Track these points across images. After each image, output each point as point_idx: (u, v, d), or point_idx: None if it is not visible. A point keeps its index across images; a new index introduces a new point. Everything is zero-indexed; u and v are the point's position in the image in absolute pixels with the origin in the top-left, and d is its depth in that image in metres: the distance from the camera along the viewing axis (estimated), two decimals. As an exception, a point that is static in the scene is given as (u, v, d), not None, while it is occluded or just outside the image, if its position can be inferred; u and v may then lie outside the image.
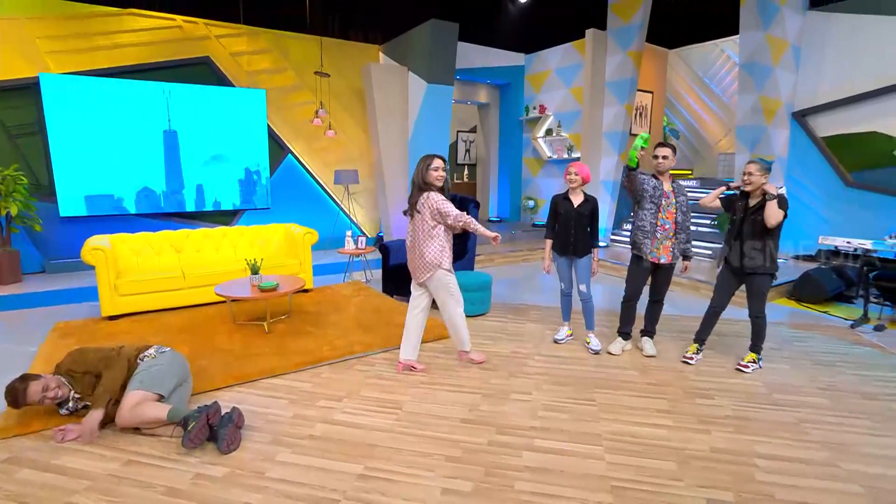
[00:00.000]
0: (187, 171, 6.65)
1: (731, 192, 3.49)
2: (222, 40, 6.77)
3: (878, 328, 4.30)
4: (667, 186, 3.48)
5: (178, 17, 6.45)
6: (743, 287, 3.45)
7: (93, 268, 4.30)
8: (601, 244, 7.40)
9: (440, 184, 3.24)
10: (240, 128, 6.90)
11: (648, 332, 3.77)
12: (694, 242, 6.95)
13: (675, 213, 3.47)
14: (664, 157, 3.41)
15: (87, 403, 2.61)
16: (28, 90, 5.70)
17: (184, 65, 6.54)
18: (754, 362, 3.39)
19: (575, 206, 3.61)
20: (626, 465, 2.30)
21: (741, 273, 3.37)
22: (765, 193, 3.18)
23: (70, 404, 2.61)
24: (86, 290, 5.10)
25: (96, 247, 4.29)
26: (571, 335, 3.96)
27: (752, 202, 3.29)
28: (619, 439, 2.52)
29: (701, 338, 3.60)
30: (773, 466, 2.29)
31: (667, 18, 7.78)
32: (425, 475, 2.23)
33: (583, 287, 3.69)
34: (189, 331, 4.09)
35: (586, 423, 2.68)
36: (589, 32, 7.54)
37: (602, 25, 7.49)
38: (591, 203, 3.64)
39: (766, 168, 3.21)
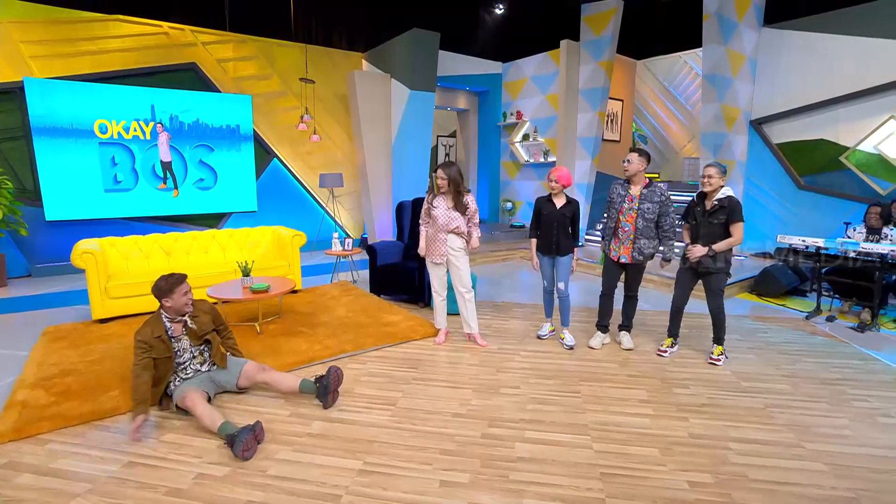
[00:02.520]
0: (175, 175, 6.63)
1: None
2: (209, 47, 6.75)
3: (830, 319, 4.65)
4: (634, 191, 3.67)
5: (165, 24, 6.40)
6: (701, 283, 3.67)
7: (80, 271, 4.24)
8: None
9: (441, 189, 3.77)
10: (226, 132, 6.88)
11: (626, 326, 3.97)
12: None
13: (636, 218, 3.62)
14: (628, 162, 3.64)
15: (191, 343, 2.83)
16: (12, 94, 5.56)
17: (170, 70, 6.49)
18: (722, 354, 3.62)
19: (558, 207, 3.78)
20: (612, 452, 2.44)
21: (698, 272, 3.58)
22: (728, 210, 3.39)
23: (181, 327, 2.79)
24: (73, 294, 5.03)
25: (86, 250, 4.23)
26: (554, 331, 4.13)
27: (708, 205, 3.47)
28: (604, 429, 2.66)
29: (673, 332, 3.82)
30: (746, 449, 2.48)
31: (635, 31, 8.16)
32: (423, 468, 2.30)
33: (561, 285, 3.85)
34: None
35: (573, 414, 2.81)
36: (563, 43, 7.83)
37: (575, 37, 7.78)
38: (572, 205, 3.80)
39: (723, 171, 3.46)
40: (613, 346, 3.94)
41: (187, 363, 2.84)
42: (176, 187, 6.66)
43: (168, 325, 2.75)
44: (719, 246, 3.41)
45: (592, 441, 2.54)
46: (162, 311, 2.75)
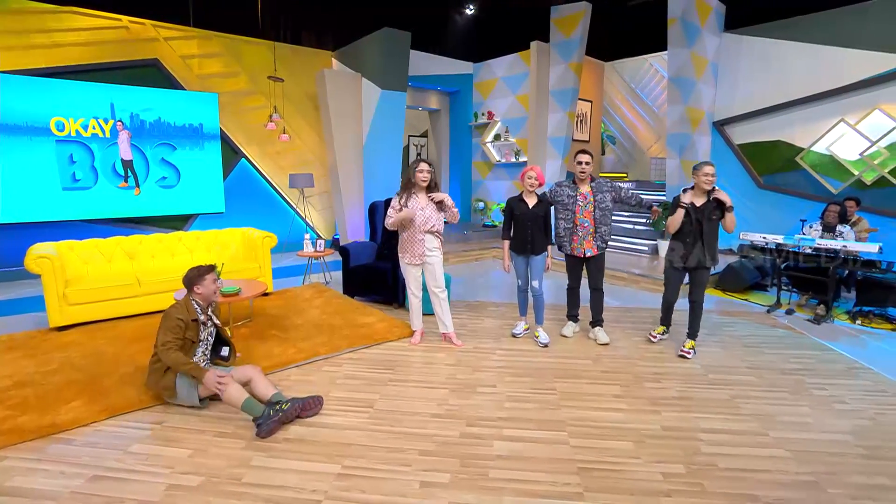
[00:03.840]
0: (137, 173, 6.42)
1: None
2: (172, 43, 6.53)
3: (789, 312, 4.88)
4: (584, 189, 3.83)
5: (124, 18, 6.15)
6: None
7: (36, 277, 4.01)
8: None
9: (423, 184, 3.69)
10: (188, 131, 6.68)
11: (598, 322, 4.07)
12: (629, 239, 7.47)
13: (593, 211, 3.80)
14: (587, 164, 3.78)
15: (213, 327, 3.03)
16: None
17: (131, 66, 6.25)
18: (693, 348, 3.75)
19: (530, 207, 3.82)
20: (588, 447, 2.49)
21: (691, 268, 3.68)
22: (721, 203, 3.50)
23: (208, 317, 2.99)
24: (28, 301, 4.79)
25: (42, 255, 4.02)
26: (528, 329, 4.17)
27: (701, 202, 3.55)
28: (580, 424, 2.71)
29: (666, 322, 4.01)
30: (715, 439, 2.57)
31: (603, 34, 8.34)
32: (403, 470, 2.29)
33: (535, 283, 3.91)
34: (147, 339, 3.83)
35: (549, 411, 2.86)
36: (533, 44, 7.94)
37: (545, 38, 7.90)
38: (545, 204, 3.86)
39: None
40: (586, 342, 4.01)
41: (198, 356, 2.91)
42: (137, 185, 6.41)
43: (199, 311, 2.92)
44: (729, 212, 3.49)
45: (569, 437, 2.58)
46: (192, 298, 2.92)
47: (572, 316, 4.18)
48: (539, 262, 3.88)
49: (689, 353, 3.71)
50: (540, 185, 3.82)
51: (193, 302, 2.92)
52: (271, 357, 3.52)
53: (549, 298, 5.09)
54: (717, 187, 3.56)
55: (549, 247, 3.93)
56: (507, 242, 3.96)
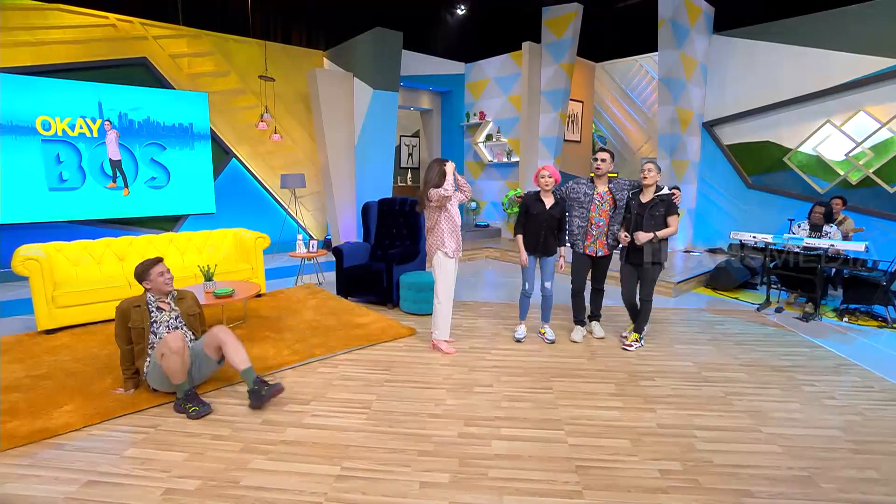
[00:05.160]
0: (125, 174, 6.33)
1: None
2: (161, 41, 6.43)
3: (778, 310, 4.96)
4: (602, 188, 3.82)
5: (112, 16, 6.05)
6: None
7: (23, 279, 3.94)
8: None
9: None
10: (178, 131, 6.61)
11: (596, 316, 4.12)
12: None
13: (611, 211, 3.81)
14: (602, 161, 3.75)
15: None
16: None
17: (119, 65, 6.15)
18: (636, 341, 3.80)
19: (547, 207, 3.77)
20: (586, 445, 2.50)
21: (640, 265, 3.75)
22: (668, 203, 3.63)
23: (167, 304, 3.07)
24: (15, 303, 4.67)
25: (29, 256, 3.94)
26: (527, 333, 4.14)
27: (645, 199, 3.68)
28: (577, 423, 2.72)
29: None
30: (710, 436, 2.60)
31: (594, 35, 8.40)
32: (402, 470, 2.29)
33: (547, 284, 3.89)
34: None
35: (546, 409, 2.87)
36: (525, 45, 7.97)
37: (537, 39, 7.94)
38: (560, 206, 3.81)
39: (659, 168, 3.70)
40: (583, 340, 4.04)
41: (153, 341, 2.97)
42: (126, 186, 6.32)
43: (152, 300, 3.02)
44: (662, 233, 3.62)
45: (566, 435, 2.59)
46: (147, 294, 3.02)
47: (579, 321, 4.10)
48: (550, 263, 3.86)
49: (630, 345, 3.78)
50: (556, 182, 3.79)
51: (147, 295, 3.03)
52: (266, 359, 3.50)
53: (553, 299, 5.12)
54: (677, 191, 3.68)
55: (562, 248, 3.87)
56: (521, 237, 3.88)
